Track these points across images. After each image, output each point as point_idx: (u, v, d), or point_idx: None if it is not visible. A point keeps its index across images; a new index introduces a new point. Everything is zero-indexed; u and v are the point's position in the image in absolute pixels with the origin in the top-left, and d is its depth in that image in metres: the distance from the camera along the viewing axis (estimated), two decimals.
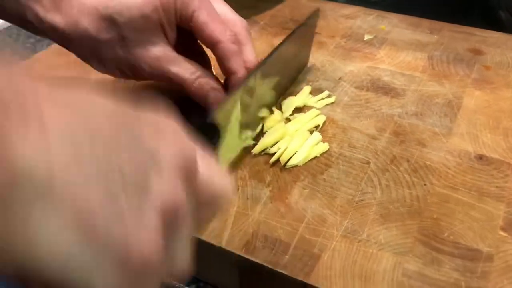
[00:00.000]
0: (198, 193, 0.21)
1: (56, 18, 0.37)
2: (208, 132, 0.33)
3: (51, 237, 0.15)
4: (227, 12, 0.41)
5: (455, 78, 0.51)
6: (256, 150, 0.41)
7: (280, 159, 0.40)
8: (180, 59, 0.40)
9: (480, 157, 0.41)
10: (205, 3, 0.38)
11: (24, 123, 0.14)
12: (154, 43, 0.38)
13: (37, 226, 0.15)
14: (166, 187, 0.18)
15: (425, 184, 0.38)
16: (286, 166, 0.40)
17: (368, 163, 0.40)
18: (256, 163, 0.41)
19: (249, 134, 0.42)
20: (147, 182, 0.17)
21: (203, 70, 0.41)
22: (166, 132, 0.20)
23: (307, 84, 0.50)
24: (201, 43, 0.42)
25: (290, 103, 0.47)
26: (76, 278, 0.16)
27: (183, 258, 0.20)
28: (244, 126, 0.40)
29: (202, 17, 0.38)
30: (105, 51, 0.39)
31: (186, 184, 0.19)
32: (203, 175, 0.21)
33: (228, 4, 0.43)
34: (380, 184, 0.38)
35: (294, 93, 0.48)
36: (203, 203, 0.21)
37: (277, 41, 0.58)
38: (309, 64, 0.53)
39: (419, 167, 0.40)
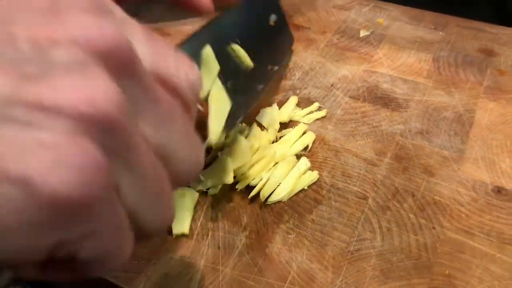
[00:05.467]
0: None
1: None
2: None
3: None
4: None
5: (465, 85, 0.44)
6: (240, 185, 0.34)
7: (260, 193, 0.33)
8: None
9: (499, 190, 0.34)
10: None
11: None
12: None
13: None
14: (86, 21, 0.13)
15: (434, 228, 0.32)
16: (267, 203, 0.33)
17: (365, 198, 0.33)
18: (231, 198, 0.34)
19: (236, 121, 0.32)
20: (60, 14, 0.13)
21: None
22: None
23: (294, 93, 0.43)
24: None
25: (272, 115, 0.39)
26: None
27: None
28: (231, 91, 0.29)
29: None
30: None
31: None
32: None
33: None
34: (380, 227, 0.32)
35: (278, 103, 0.41)
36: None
37: None
38: (296, 66, 0.46)
39: (426, 204, 0.33)
